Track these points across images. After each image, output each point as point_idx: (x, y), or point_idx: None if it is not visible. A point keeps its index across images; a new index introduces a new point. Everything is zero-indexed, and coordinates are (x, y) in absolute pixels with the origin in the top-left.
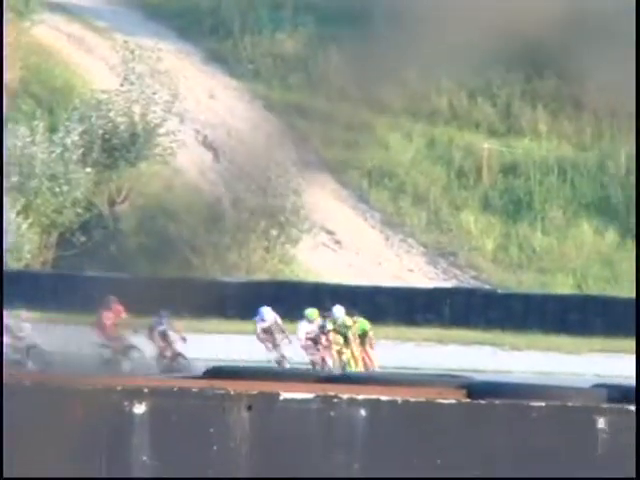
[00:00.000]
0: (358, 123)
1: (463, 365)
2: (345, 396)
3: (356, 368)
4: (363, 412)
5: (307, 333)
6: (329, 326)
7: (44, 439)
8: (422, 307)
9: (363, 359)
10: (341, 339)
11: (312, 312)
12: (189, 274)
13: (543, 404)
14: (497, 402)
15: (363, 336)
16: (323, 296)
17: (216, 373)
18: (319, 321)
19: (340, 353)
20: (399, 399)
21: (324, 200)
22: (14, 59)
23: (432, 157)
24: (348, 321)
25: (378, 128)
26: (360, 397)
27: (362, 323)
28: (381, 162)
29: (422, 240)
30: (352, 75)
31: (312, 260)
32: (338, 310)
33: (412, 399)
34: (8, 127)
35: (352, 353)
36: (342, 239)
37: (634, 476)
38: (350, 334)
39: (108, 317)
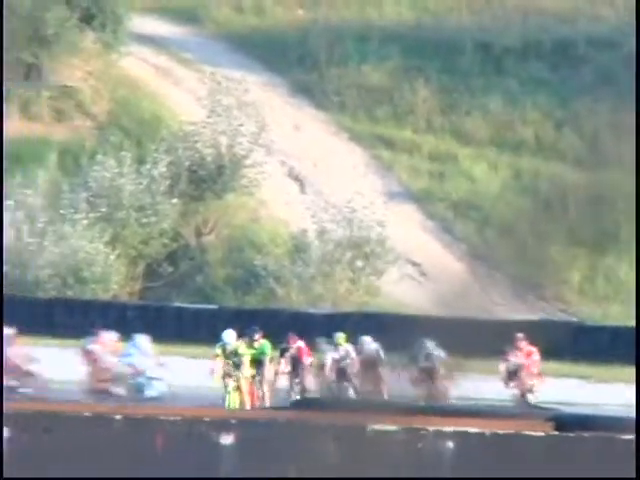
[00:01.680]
0: (444, 154)
1: (550, 397)
2: (432, 428)
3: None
4: (450, 444)
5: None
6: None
7: (133, 468)
8: (508, 340)
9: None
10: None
11: (340, 337)
12: (274, 305)
13: (632, 437)
14: (586, 435)
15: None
16: (408, 328)
17: (302, 404)
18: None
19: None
20: (487, 431)
21: (409, 231)
22: (103, 92)
23: (518, 188)
24: (240, 347)
25: (463, 159)
26: (447, 429)
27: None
28: (467, 193)
29: (508, 272)
30: (438, 106)
31: (397, 292)
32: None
33: (500, 431)
34: (96, 159)
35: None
36: (427, 271)
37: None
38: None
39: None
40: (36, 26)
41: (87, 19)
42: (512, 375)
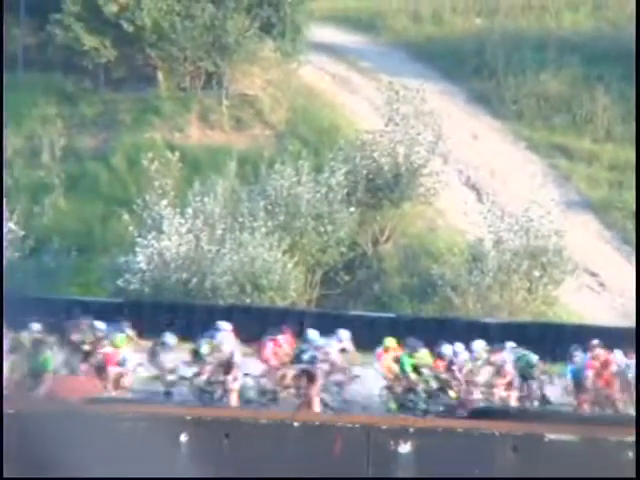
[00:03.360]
0: (623, 163)
1: None
2: (613, 438)
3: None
4: (630, 455)
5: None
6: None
7: (306, 473)
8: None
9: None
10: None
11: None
12: (451, 314)
13: None
14: None
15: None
16: (586, 338)
17: (480, 413)
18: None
19: None
20: None
21: (587, 241)
22: (282, 100)
23: None
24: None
25: None
26: (630, 439)
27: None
28: None
29: None
30: (618, 114)
31: (575, 302)
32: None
33: None
34: (275, 167)
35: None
36: (606, 281)
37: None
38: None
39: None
40: (217, 35)
41: (267, 28)
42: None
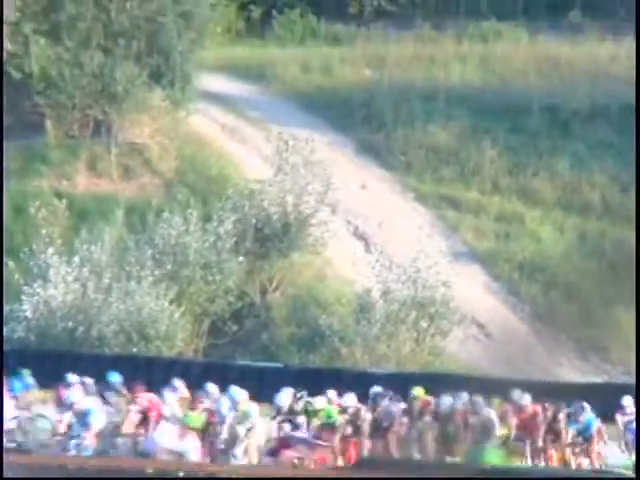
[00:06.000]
0: (510, 215)
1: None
2: None
3: None
4: None
5: None
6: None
7: None
8: (570, 401)
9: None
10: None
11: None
12: (338, 364)
13: None
14: None
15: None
16: (473, 388)
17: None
18: None
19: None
20: None
21: (474, 292)
22: (170, 149)
23: (584, 251)
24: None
25: (529, 220)
26: None
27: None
28: (532, 255)
29: (573, 335)
30: (505, 167)
31: (462, 352)
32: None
33: None
34: (163, 216)
35: None
36: (492, 332)
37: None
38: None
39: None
40: (106, 83)
41: (156, 76)
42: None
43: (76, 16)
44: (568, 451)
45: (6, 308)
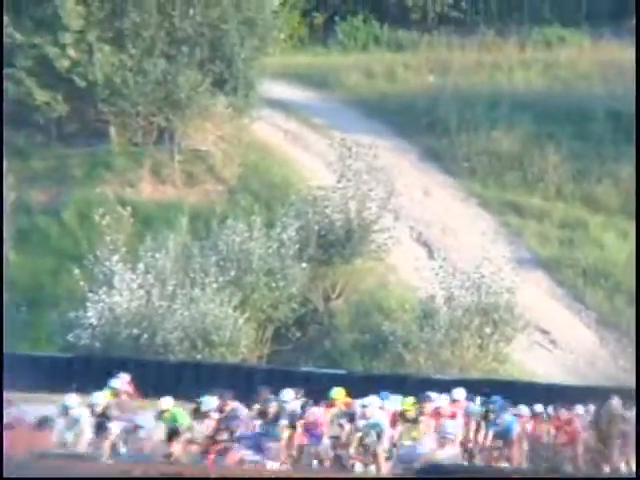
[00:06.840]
0: (573, 221)
1: None
2: None
3: None
4: None
5: None
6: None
7: None
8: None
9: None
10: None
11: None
12: (402, 370)
13: None
14: None
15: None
16: (537, 395)
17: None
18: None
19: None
20: None
21: (538, 298)
22: (234, 156)
23: None
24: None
25: (593, 226)
26: None
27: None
28: (596, 261)
29: (638, 340)
30: (568, 173)
31: (526, 359)
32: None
33: None
34: (227, 223)
35: None
36: (557, 338)
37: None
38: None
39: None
40: (169, 90)
41: (219, 83)
42: None
43: (140, 24)
44: None
45: (71, 315)
